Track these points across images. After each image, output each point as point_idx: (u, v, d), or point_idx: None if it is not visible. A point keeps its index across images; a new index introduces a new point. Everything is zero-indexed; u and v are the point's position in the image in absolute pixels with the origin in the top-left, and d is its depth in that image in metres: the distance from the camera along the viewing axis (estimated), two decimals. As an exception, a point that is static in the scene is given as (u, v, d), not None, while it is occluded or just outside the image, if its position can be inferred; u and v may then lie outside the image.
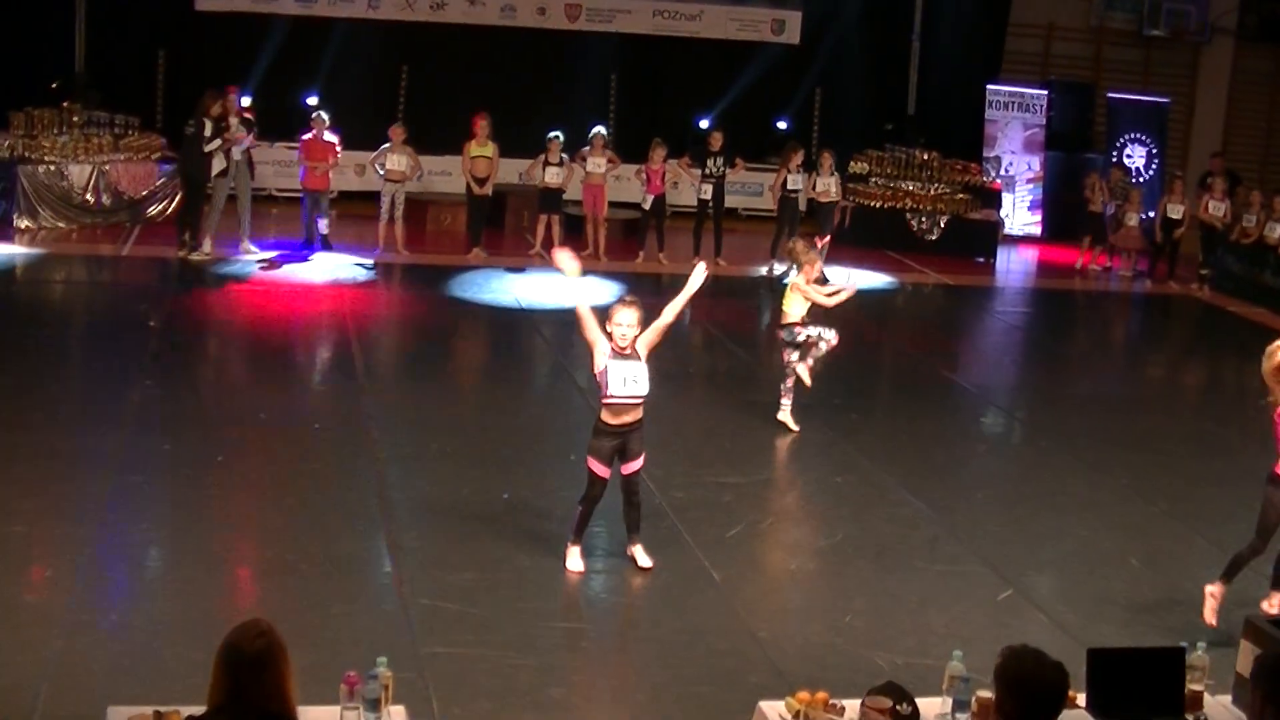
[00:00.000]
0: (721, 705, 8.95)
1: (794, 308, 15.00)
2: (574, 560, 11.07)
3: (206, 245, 21.71)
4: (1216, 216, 25.24)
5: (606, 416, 10.87)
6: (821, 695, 7.22)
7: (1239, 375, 18.43)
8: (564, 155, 23.35)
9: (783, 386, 15.22)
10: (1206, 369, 21.40)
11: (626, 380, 10.68)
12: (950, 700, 7.15)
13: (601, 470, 10.93)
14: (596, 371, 10.81)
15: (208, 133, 21.41)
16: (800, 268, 15.01)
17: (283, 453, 13.40)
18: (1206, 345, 22.76)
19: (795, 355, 15.11)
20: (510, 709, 8.93)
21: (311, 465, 13.12)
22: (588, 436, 11.03)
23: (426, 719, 8.52)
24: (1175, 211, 25.34)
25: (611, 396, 10.74)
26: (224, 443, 13.48)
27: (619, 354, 10.67)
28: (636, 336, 10.71)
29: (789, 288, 15.08)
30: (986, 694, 7.22)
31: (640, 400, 10.83)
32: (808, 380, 15.29)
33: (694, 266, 11.23)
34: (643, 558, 11.19)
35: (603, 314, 10.75)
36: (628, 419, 10.85)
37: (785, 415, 15.15)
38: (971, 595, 11.24)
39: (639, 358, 10.72)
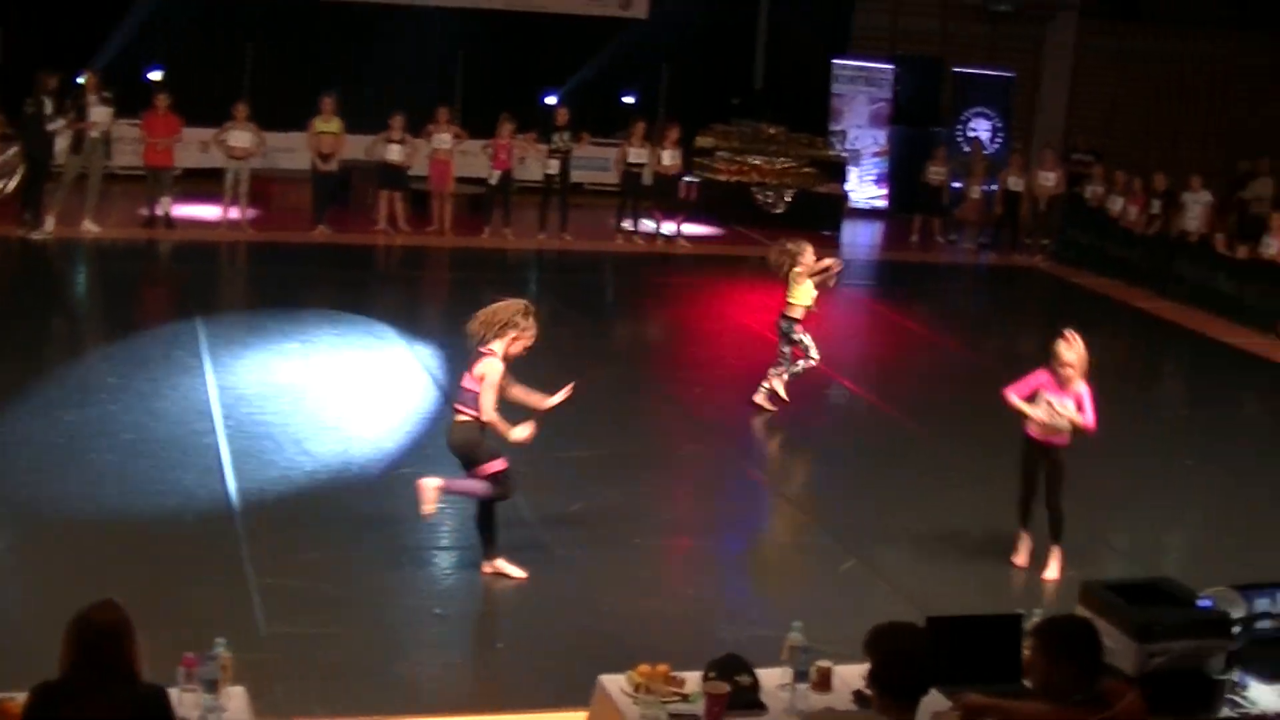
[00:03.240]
0: (565, 679, 8.96)
1: (801, 297, 14.85)
2: (512, 569, 10.73)
3: (49, 224, 21.36)
4: (1046, 187, 25.70)
5: None
6: (663, 668, 7.27)
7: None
8: (406, 133, 23.26)
9: (771, 370, 15.14)
10: (1048, 339, 21.57)
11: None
12: (791, 670, 7.23)
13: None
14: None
15: (48, 111, 21.15)
16: (799, 257, 14.85)
17: (124, 432, 13.21)
18: (1048, 316, 23.03)
19: (787, 349, 15.04)
20: (354, 687, 8.92)
21: (154, 444, 12.95)
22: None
23: (268, 699, 8.47)
24: (1015, 184, 25.76)
25: None
26: (63, 425, 13.29)
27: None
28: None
29: (793, 276, 14.81)
30: (826, 664, 7.34)
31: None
32: (784, 394, 15.17)
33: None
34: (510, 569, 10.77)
35: None
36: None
37: (761, 397, 15.07)
38: (814, 566, 11.38)
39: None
